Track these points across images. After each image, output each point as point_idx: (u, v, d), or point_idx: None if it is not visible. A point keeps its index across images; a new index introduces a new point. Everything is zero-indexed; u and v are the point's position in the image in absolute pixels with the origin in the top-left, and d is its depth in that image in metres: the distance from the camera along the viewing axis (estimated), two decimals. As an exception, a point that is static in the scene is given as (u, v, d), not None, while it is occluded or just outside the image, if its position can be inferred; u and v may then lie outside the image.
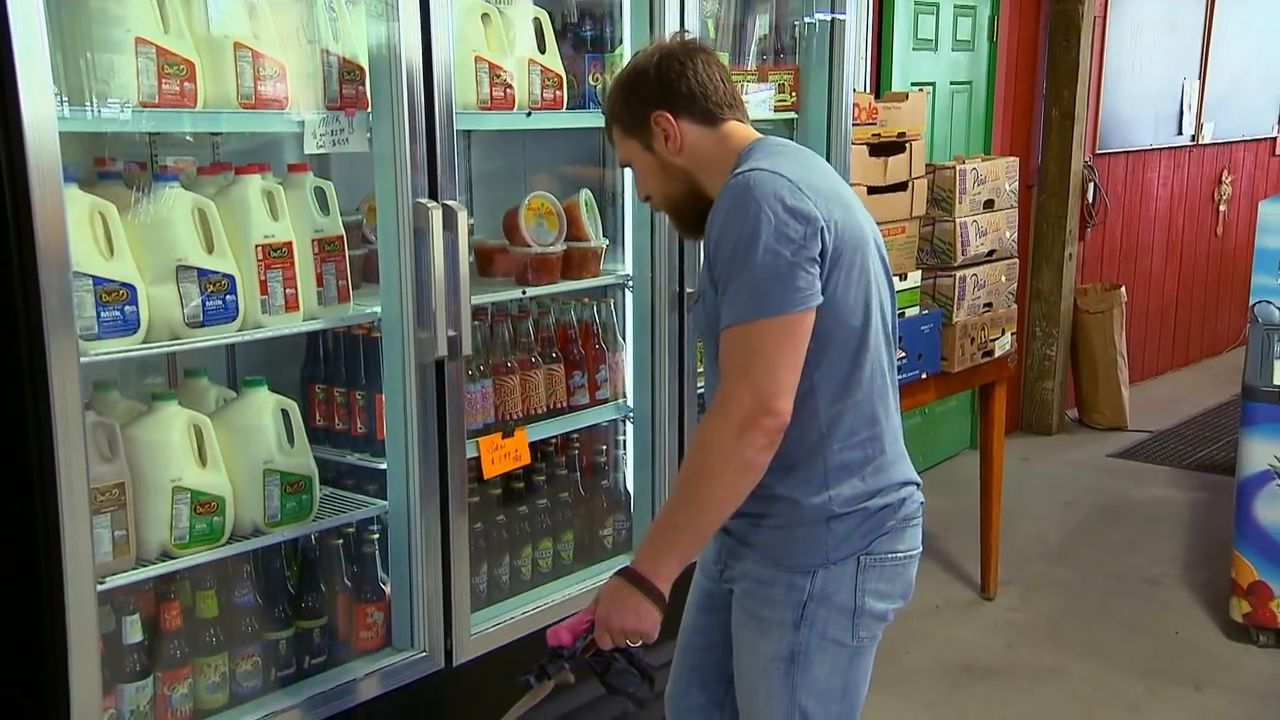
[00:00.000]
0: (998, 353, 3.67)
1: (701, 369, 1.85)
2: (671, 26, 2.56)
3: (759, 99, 2.98)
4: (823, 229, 1.59)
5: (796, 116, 3.08)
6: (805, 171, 1.64)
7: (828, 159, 3.04)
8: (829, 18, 2.98)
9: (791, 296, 1.56)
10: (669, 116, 1.71)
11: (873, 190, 3.26)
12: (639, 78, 1.73)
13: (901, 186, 3.35)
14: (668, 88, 1.71)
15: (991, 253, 3.64)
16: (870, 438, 1.68)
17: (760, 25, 3.12)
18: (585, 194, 2.71)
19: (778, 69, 3.02)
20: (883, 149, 3.29)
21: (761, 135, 1.73)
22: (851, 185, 3.04)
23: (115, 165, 2.07)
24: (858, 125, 3.15)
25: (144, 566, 1.89)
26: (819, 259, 1.59)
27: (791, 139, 3.11)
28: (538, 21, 2.51)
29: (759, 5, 3.11)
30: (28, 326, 1.61)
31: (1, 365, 1.64)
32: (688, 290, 2.71)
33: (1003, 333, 3.68)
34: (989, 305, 3.64)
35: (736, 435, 1.55)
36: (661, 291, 2.69)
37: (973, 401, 5.14)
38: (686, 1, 2.59)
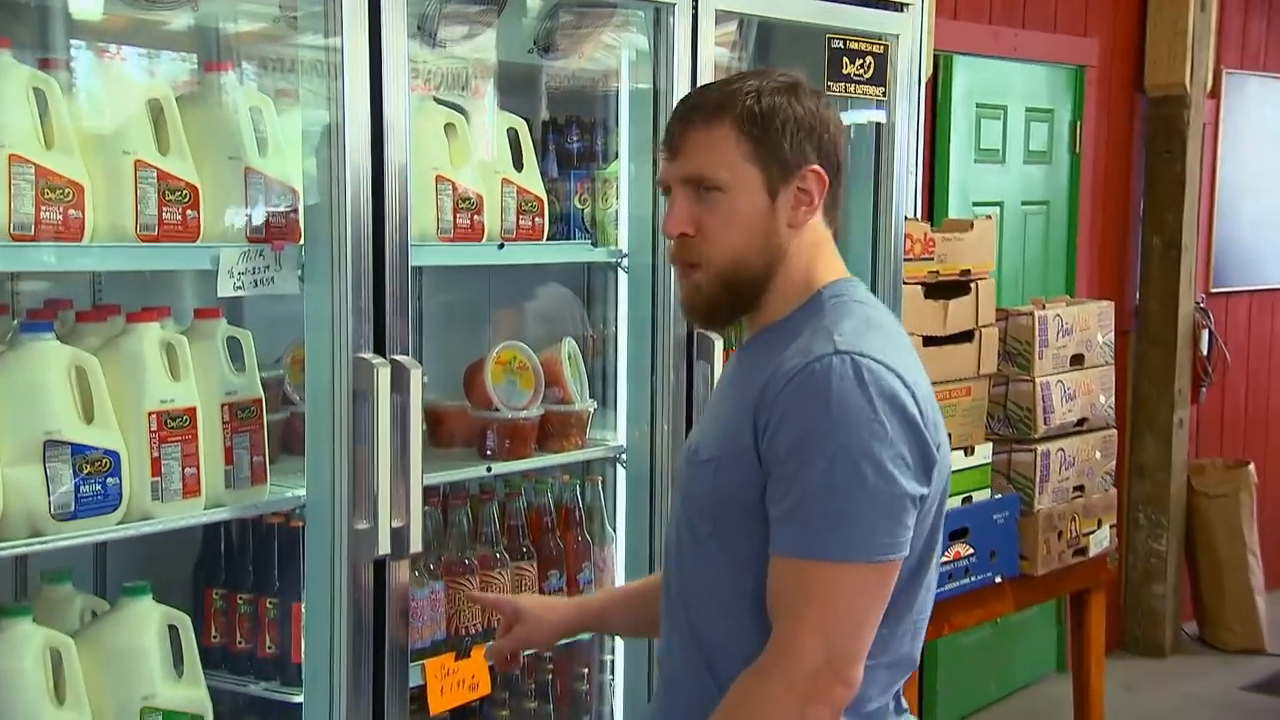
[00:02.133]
0: (1093, 550, 3.65)
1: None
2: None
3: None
4: (935, 465, 1.60)
5: (833, 249, 3.15)
6: (908, 358, 1.64)
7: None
8: (871, 120, 3.08)
9: (898, 539, 1.55)
10: (824, 177, 1.66)
11: (930, 341, 3.31)
12: (818, 117, 1.66)
13: (966, 337, 3.40)
14: (837, 154, 1.69)
15: (1081, 422, 3.66)
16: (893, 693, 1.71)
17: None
18: (569, 344, 2.74)
19: (811, 190, 3.10)
20: (942, 290, 3.35)
21: (846, 274, 1.72)
22: (904, 335, 3.10)
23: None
24: (910, 260, 3.22)
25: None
26: (920, 501, 1.59)
27: None
28: (513, 132, 2.59)
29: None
30: None
31: None
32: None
33: (1098, 524, 3.68)
34: (1080, 489, 3.63)
35: (799, 705, 1.53)
36: (663, 467, 2.69)
37: (1059, 612, 5.09)
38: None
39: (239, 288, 2.10)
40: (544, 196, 2.61)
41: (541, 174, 2.64)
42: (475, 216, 2.46)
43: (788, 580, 1.56)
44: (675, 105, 1.73)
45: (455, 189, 2.43)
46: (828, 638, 1.53)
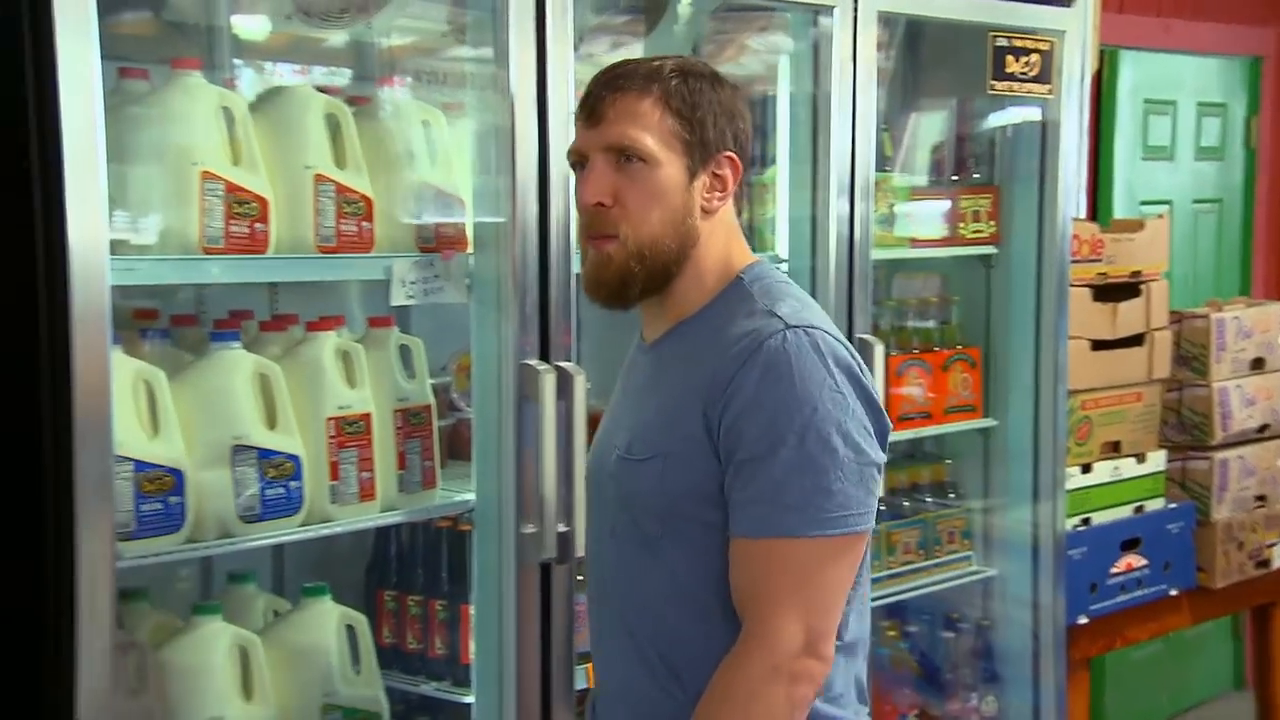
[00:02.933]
0: (1276, 563, 3.55)
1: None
2: (840, 138, 2.64)
3: (933, 226, 3.02)
4: (887, 431, 1.61)
5: (996, 251, 3.11)
6: (839, 332, 1.65)
7: (1038, 303, 3.11)
8: (1030, 120, 3.03)
9: (869, 508, 1.56)
10: (739, 165, 1.66)
11: (1098, 345, 3.24)
12: (736, 107, 1.66)
13: (1136, 340, 3.33)
14: (748, 146, 1.69)
15: (1263, 428, 3.57)
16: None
17: (931, 129, 3.20)
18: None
19: (972, 192, 3.07)
20: (1111, 292, 3.28)
21: (757, 258, 1.71)
22: (1070, 338, 3.05)
23: (159, 321, 2.20)
24: (1077, 262, 3.17)
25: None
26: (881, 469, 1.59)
27: (988, 278, 3.20)
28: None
29: (930, 103, 3.19)
30: (56, 526, 1.69)
31: (21, 574, 1.72)
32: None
33: (1282, 535, 3.56)
34: (1261, 499, 3.54)
35: (787, 688, 1.52)
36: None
37: (1235, 626, 4.91)
38: (859, 108, 2.67)
39: (410, 297, 2.18)
40: (702, 201, 2.63)
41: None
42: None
43: (760, 562, 1.54)
44: (597, 74, 1.66)
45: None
46: (807, 616, 1.52)
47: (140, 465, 1.86)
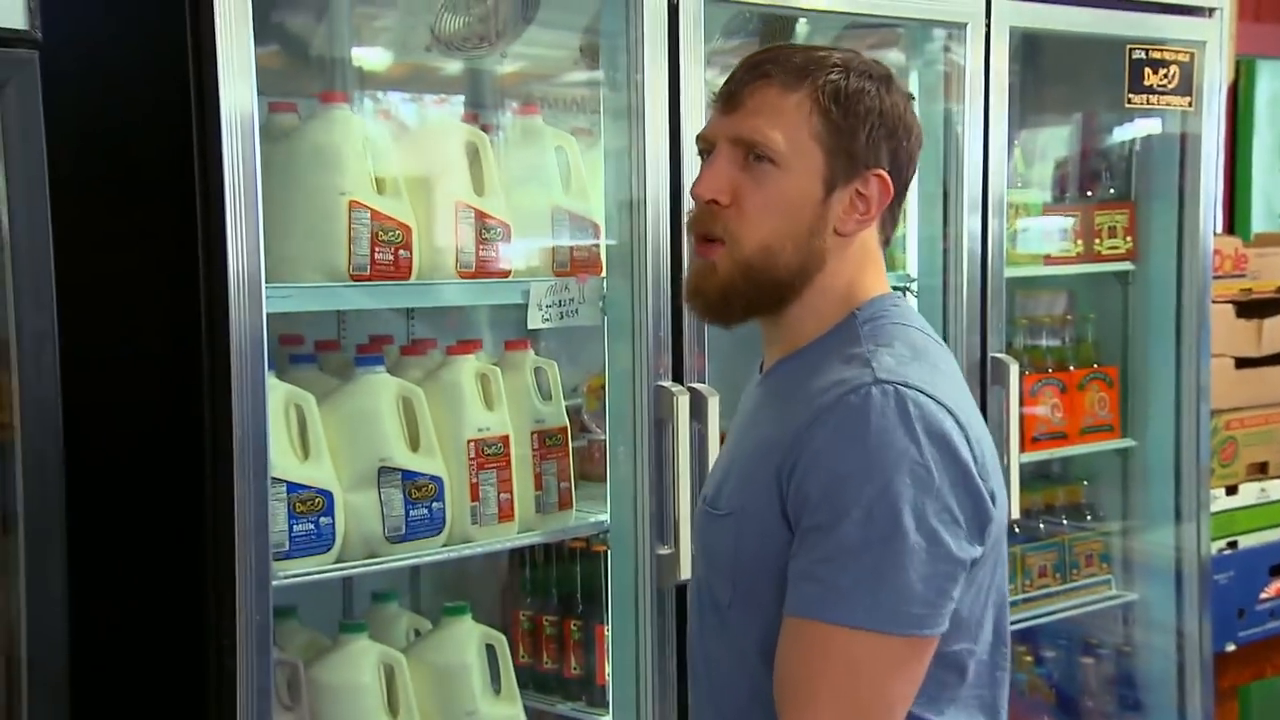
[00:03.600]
0: None
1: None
2: (972, 154, 2.62)
3: (1064, 242, 2.97)
4: (990, 522, 1.37)
5: (1133, 267, 3.07)
6: (959, 391, 1.43)
7: (1178, 320, 3.04)
8: (1173, 131, 2.98)
9: (938, 611, 1.32)
10: (890, 188, 1.45)
11: (1242, 363, 3.18)
12: (903, 121, 1.45)
13: (1282, 358, 3.26)
14: (909, 168, 1.48)
15: None
16: None
17: (1053, 144, 3.16)
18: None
19: (1107, 207, 3.03)
20: (1256, 308, 3.22)
21: (889, 289, 1.50)
22: (1213, 356, 2.98)
23: (305, 346, 2.28)
24: (1219, 278, 3.11)
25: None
26: (970, 566, 1.36)
27: (1124, 295, 3.15)
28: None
29: (1050, 117, 3.15)
30: (215, 546, 1.77)
31: (183, 593, 1.79)
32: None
33: None
34: None
35: None
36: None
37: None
38: (991, 124, 2.63)
39: (546, 320, 2.22)
40: (834, 223, 2.64)
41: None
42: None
43: (803, 647, 1.33)
44: (749, 55, 1.47)
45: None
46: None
47: (293, 487, 1.93)
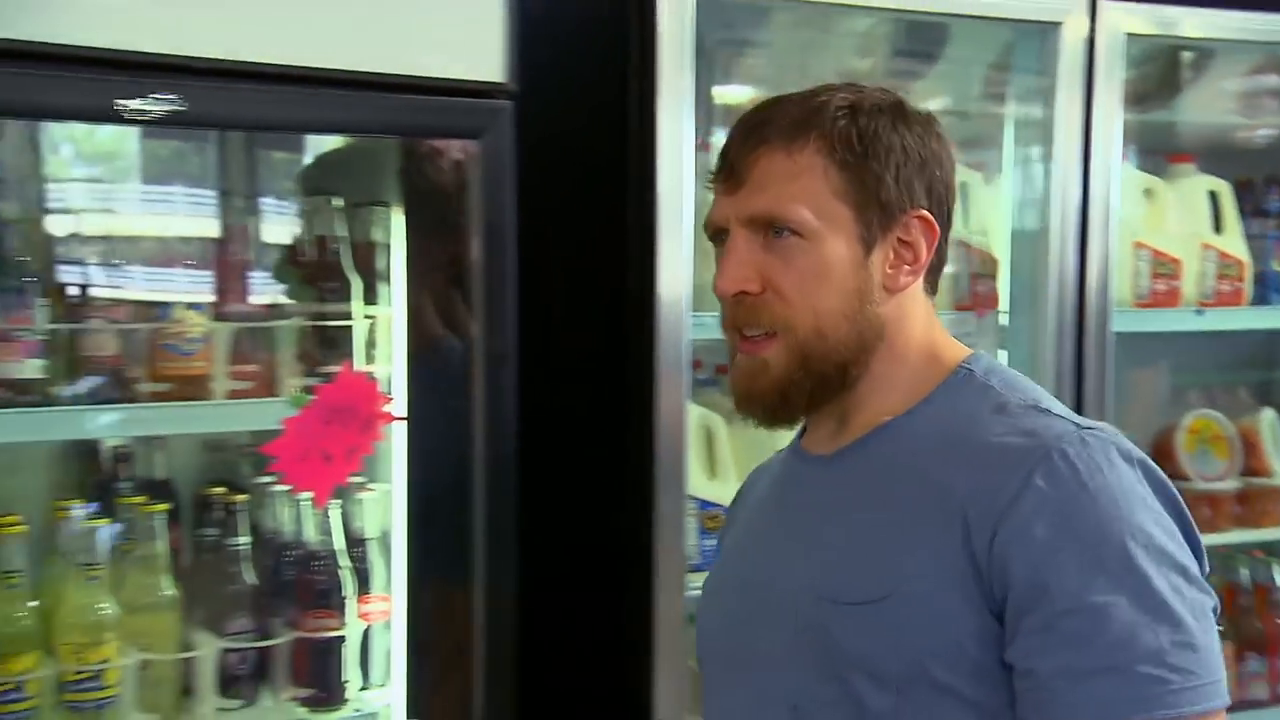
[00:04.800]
0: None
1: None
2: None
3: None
4: (1201, 550, 1.21)
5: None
6: None
7: None
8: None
9: (1222, 672, 1.14)
10: (935, 227, 1.28)
11: None
12: (929, 148, 1.28)
13: None
14: (949, 199, 1.30)
15: None
16: None
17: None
18: (1269, 415, 2.65)
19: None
20: None
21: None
22: None
23: (705, 370, 2.40)
24: None
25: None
26: None
27: None
28: (1214, 195, 2.56)
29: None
30: (637, 558, 1.90)
31: (606, 605, 1.94)
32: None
33: None
34: None
35: None
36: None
37: None
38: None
39: (948, 354, 2.25)
40: (1246, 261, 2.55)
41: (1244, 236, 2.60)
42: (1171, 281, 2.47)
43: None
44: (739, 119, 1.29)
45: (1154, 255, 2.45)
46: None
47: (703, 504, 2.04)
